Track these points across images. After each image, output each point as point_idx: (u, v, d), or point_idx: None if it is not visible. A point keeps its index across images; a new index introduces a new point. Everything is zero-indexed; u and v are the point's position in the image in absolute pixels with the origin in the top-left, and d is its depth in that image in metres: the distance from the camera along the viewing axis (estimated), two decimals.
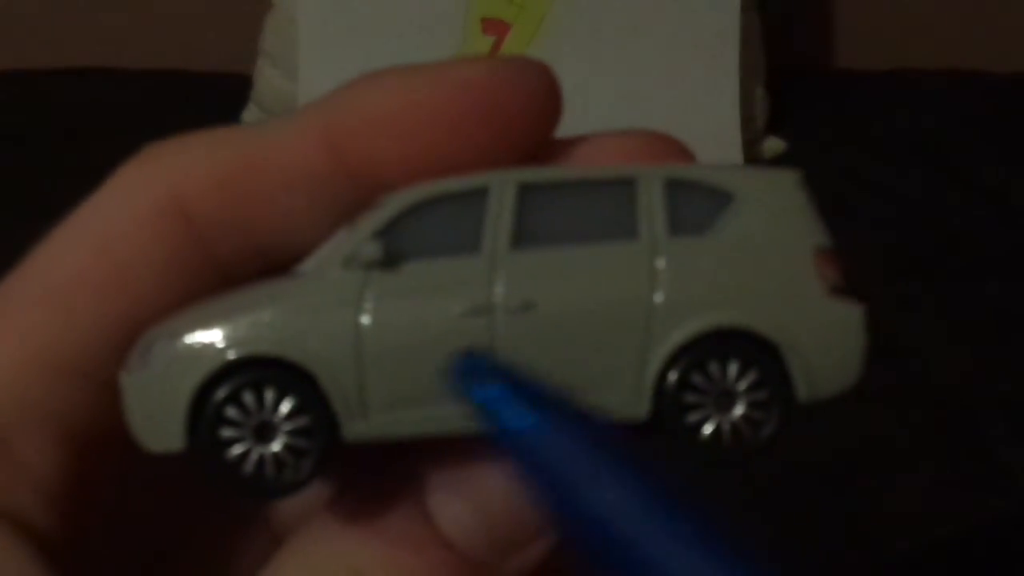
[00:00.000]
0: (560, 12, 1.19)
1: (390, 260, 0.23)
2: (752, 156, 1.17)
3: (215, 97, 1.23)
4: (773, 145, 1.20)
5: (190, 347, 0.23)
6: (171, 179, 0.25)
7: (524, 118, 0.24)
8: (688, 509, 0.19)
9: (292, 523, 0.27)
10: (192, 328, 0.23)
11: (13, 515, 0.24)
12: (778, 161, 1.17)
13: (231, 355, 0.23)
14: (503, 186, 0.24)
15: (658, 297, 0.23)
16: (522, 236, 0.23)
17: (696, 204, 0.24)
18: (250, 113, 1.22)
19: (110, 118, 1.14)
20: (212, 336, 0.23)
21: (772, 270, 0.24)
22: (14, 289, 0.25)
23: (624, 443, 0.20)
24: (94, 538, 0.26)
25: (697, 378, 0.23)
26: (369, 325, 0.23)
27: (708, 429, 0.23)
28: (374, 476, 0.24)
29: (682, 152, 0.25)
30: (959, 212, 1.05)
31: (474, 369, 0.22)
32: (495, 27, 1.20)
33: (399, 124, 0.24)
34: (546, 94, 0.25)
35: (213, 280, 0.25)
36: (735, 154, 1.15)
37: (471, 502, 0.23)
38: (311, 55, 1.17)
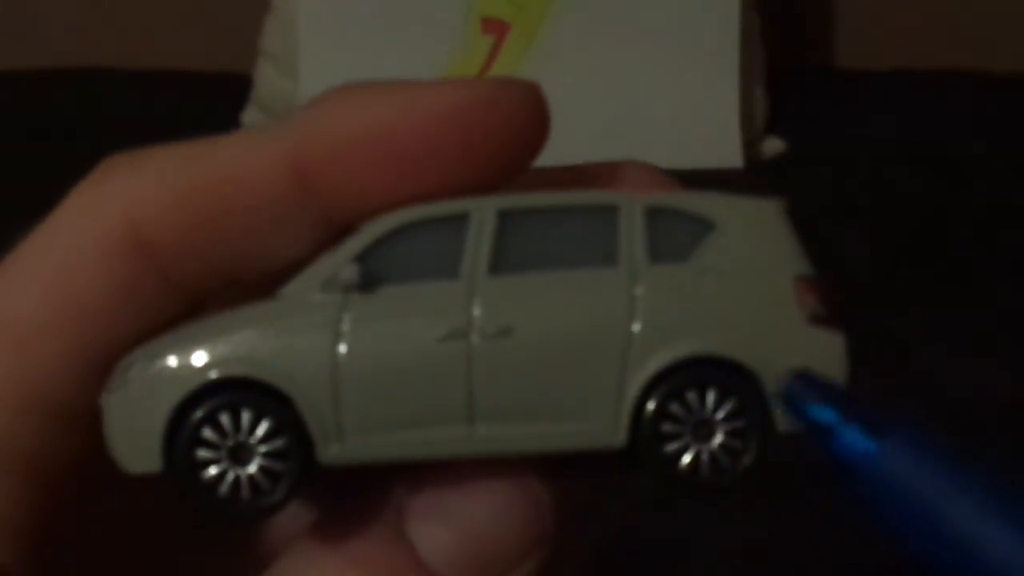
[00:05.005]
0: (560, 12, 1.19)
1: (369, 284, 0.23)
2: (752, 156, 1.17)
3: (215, 97, 1.23)
4: (773, 145, 1.20)
5: (168, 368, 0.22)
6: (125, 203, 0.24)
7: (506, 148, 0.23)
8: None
9: (280, 550, 0.27)
10: (170, 349, 0.23)
11: None
12: (778, 161, 1.17)
13: (208, 376, 0.22)
14: (483, 212, 0.23)
15: (636, 324, 0.23)
16: (501, 261, 0.23)
17: (677, 232, 0.24)
18: (250, 113, 1.23)
19: (110, 118, 1.14)
20: (190, 357, 0.22)
21: (751, 298, 0.23)
22: None
23: (974, 458, 0.19)
24: (64, 573, 0.25)
25: (675, 407, 0.23)
26: (346, 348, 0.22)
27: (686, 459, 0.23)
28: (354, 503, 0.24)
29: (666, 182, 0.25)
30: (958, 212, 1.05)
31: (808, 389, 0.22)
32: (495, 27, 1.20)
33: (367, 153, 0.23)
34: (531, 120, 0.23)
35: (176, 306, 0.24)
36: (735, 154, 1.15)
37: (452, 528, 0.23)
38: (311, 55, 1.18)
